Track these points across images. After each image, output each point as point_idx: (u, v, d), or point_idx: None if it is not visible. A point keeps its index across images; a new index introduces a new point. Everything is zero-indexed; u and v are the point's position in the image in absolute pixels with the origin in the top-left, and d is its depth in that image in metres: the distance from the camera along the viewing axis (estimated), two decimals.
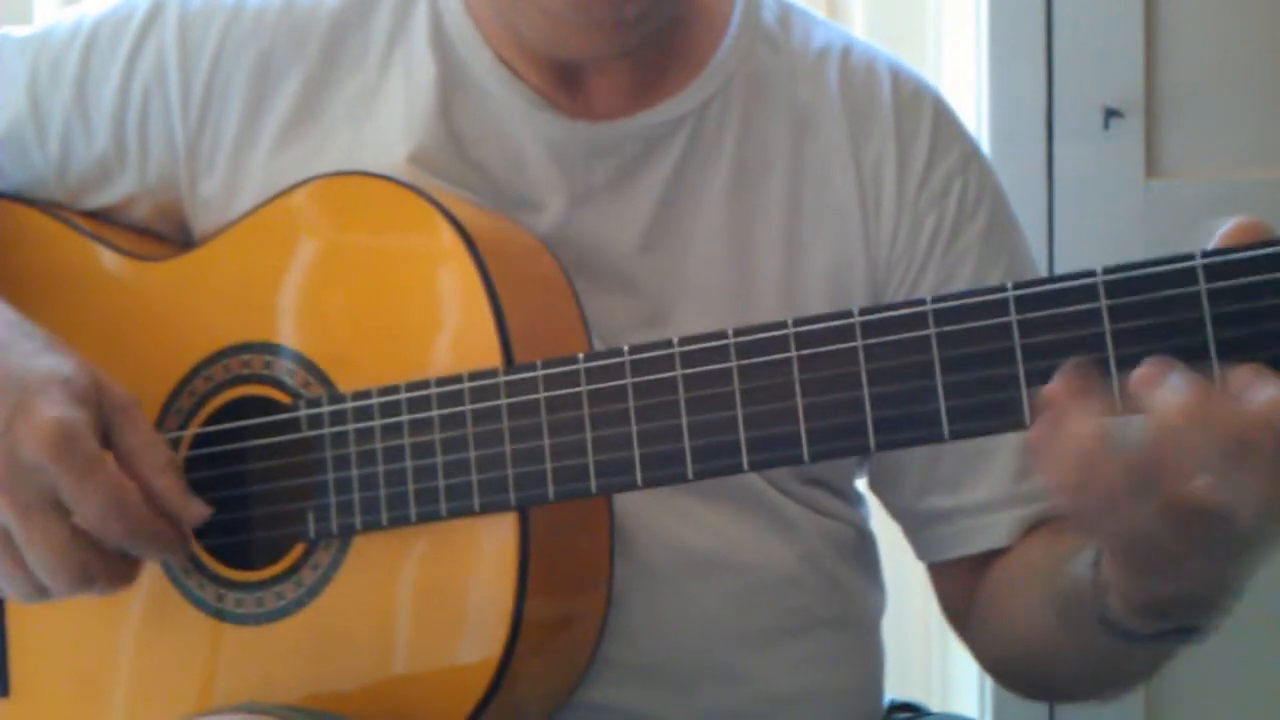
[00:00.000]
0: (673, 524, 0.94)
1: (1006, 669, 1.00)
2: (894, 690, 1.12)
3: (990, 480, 0.97)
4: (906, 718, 1.10)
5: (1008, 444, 0.97)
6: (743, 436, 0.76)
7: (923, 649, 1.73)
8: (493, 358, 0.83)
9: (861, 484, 1.08)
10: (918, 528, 1.02)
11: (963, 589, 1.01)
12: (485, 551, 0.83)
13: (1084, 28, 1.57)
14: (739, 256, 0.97)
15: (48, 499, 0.80)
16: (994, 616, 0.97)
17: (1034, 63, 1.58)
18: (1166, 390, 0.63)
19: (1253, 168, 1.55)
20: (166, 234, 1.02)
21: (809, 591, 0.99)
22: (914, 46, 1.67)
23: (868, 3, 1.69)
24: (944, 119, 1.02)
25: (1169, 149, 1.58)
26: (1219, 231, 0.67)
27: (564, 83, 0.97)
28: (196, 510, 0.86)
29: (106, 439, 0.84)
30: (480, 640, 0.83)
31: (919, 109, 1.01)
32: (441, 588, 0.85)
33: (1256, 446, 0.60)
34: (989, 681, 1.60)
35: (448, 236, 0.86)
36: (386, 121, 0.97)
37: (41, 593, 0.83)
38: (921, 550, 1.03)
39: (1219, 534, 0.64)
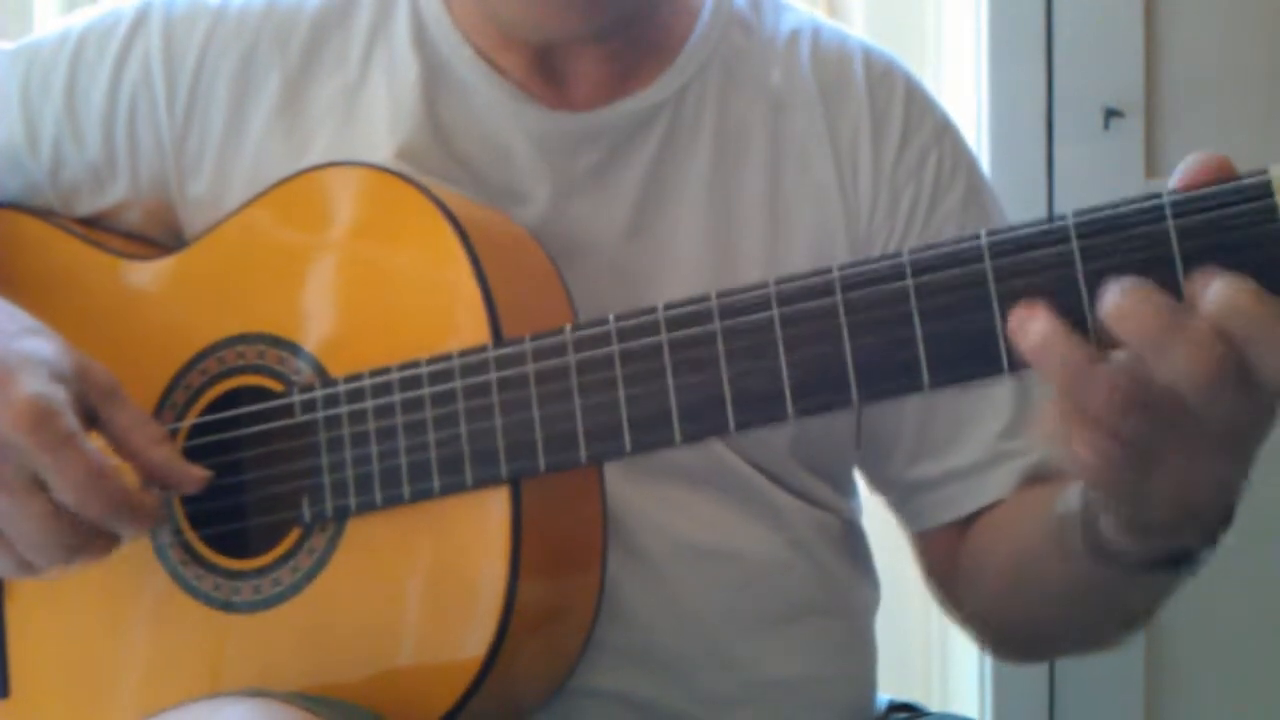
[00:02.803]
0: (665, 512, 0.95)
1: (998, 626, 1.01)
2: (894, 690, 1.12)
3: (976, 442, 0.99)
4: (905, 718, 1.10)
5: (993, 406, 0.98)
6: (728, 396, 0.77)
7: (922, 648, 1.74)
8: (483, 340, 0.84)
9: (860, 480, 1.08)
10: (908, 497, 1.03)
11: (949, 552, 1.02)
12: (478, 531, 0.84)
13: (1084, 28, 1.58)
14: (722, 238, 0.99)
15: (27, 476, 0.80)
16: (984, 572, 0.98)
17: (1034, 63, 1.58)
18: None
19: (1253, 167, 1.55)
20: (158, 239, 1.03)
21: (799, 579, 0.99)
22: (914, 46, 1.67)
23: (868, 3, 1.69)
24: (916, 94, 1.04)
25: (1169, 149, 1.58)
26: (1180, 168, 0.68)
27: (544, 75, 0.98)
28: (197, 475, 0.88)
29: (91, 421, 0.85)
30: (474, 619, 0.83)
31: (891, 86, 1.03)
32: (435, 568, 0.85)
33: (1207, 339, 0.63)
34: (989, 681, 1.61)
35: (437, 223, 0.87)
36: (371, 119, 0.98)
37: (27, 568, 0.83)
38: (912, 519, 1.03)
39: (1201, 426, 0.65)
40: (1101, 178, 1.57)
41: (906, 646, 1.70)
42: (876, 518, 1.09)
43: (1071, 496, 0.81)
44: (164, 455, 0.87)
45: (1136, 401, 0.65)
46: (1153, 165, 1.58)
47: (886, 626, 1.09)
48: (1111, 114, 1.57)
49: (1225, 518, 0.76)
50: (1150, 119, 1.58)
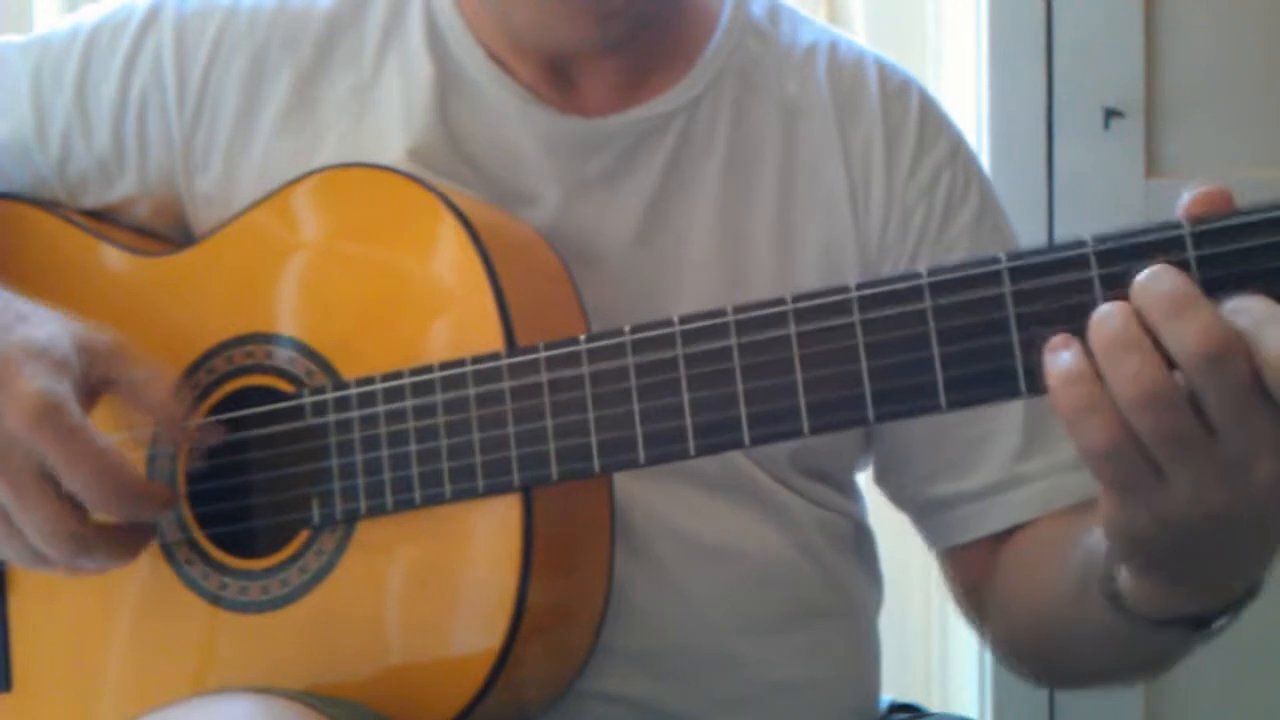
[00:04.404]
0: (672, 514, 0.95)
1: (1016, 650, 1.00)
2: (894, 690, 1.12)
3: (991, 463, 0.99)
4: (906, 718, 1.10)
5: (1006, 427, 0.98)
6: (743, 412, 0.76)
7: (923, 648, 1.74)
8: (495, 343, 0.84)
9: (861, 480, 1.08)
10: (925, 515, 1.03)
11: (972, 573, 1.01)
12: (489, 535, 0.84)
13: (1084, 28, 1.58)
14: (732, 247, 0.99)
15: (36, 470, 0.81)
16: (1006, 596, 0.98)
17: (1034, 63, 1.58)
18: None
19: (1253, 168, 1.55)
20: (166, 234, 1.03)
21: (805, 580, 1.00)
22: (914, 46, 1.68)
23: (868, 3, 1.69)
24: (930, 111, 1.04)
25: (1169, 149, 1.58)
26: (1182, 201, 0.68)
27: (556, 79, 0.98)
28: (210, 434, 0.91)
29: (98, 391, 0.86)
30: (484, 623, 0.83)
31: (905, 101, 1.03)
32: (445, 571, 0.85)
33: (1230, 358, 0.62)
34: (989, 681, 1.61)
35: (450, 225, 0.87)
36: (383, 119, 0.98)
37: (41, 560, 0.84)
38: (931, 537, 1.03)
39: (1209, 456, 0.64)
40: (1101, 178, 1.57)
41: (907, 646, 1.70)
42: (876, 518, 1.09)
43: (1096, 538, 0.80)
44: (173, 411, 0.89)
45: (1156, 394, 0.64)
46: (1153, 165, 1.58)
47: (887, 626, 1.09)
48: (1111, 114, 1.57)
49: (1249, 589, 0.76)
50: (1150, 119, 1.58)
